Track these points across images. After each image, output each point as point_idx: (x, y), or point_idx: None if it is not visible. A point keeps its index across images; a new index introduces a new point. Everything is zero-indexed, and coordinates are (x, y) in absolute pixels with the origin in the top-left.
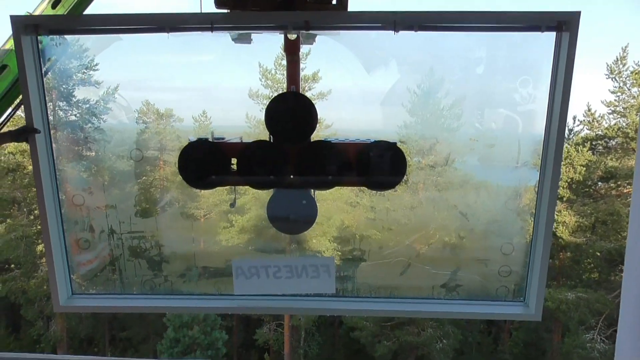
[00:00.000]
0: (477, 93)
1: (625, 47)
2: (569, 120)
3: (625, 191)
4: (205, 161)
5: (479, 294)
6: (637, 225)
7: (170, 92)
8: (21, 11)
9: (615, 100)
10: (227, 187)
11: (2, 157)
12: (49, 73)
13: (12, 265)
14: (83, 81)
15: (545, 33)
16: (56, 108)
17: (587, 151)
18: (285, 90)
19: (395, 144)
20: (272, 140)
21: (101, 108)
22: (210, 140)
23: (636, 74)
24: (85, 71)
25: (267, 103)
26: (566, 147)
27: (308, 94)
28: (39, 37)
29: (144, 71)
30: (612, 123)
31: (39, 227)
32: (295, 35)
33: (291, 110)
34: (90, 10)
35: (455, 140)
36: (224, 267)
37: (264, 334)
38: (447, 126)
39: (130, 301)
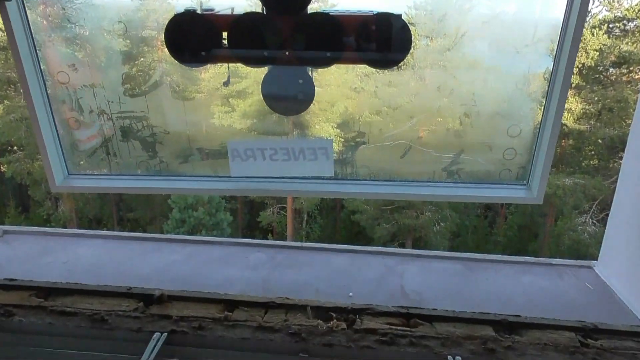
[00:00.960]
0: None
1: None
2: None
3: (636, 77)
4: (194, 35)
5: (481, 177)
6: None
7: None
8: None
9: None
10: (225, 70)
11: None
12: None
13: (15, 147)
14: None
15: None
16: None
17: (602, 34)
18: None
19: (400, 15)
20: (264, 12)
21: None
22: (198, 12)
23: None
24: None
25: None
26: None
27: None
28: None
29: None
30: (634, 3)
31: None
32: None
33: None
34: None
35: (466, 21)
36: (224, 150)
37: (267, 216)
38: (458, 7)
39: (126, 182)
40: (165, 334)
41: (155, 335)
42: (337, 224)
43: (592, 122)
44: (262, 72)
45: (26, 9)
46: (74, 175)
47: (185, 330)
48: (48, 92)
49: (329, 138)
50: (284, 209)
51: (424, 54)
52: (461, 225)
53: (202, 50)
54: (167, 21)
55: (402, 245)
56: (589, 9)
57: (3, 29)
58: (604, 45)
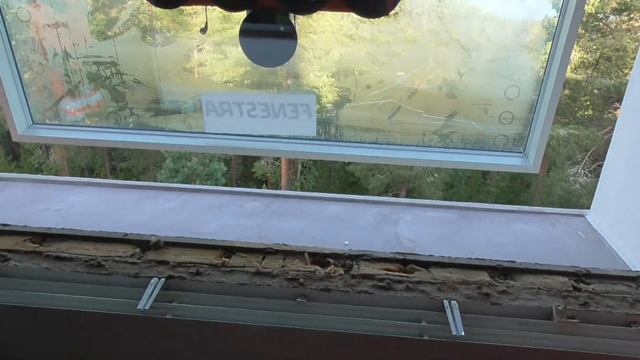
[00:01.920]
0: None
1: None
2: None
3: (636, 25)
4: None
5: (475, 142)
6: None
7: None
8: None
9: None
10: (218, 15)
11: None
12: None
13: None
14: None
15: None
16: None
17: None
18: None
19: None
20: None
21: None
22: None
23: None
24: None
25: None
26: None
27: None
28: None
29: None
30: None
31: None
32: None
33: None
34: None
35: None
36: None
37: (261, 166)
38: None
39: (94, 134)
40: (163, 279)
41: (152, 281)
42: (331, 174)
43: (590, 72)
44: None
45: None
46: (39, 125)
47: (182, 275)
48: (7, 30)
49: (311, 93)
50: (278, 159)
51: (423, 6)
52: (455, 176)
53: None
54: None
55: (396, 196)
56: None
57: None
58: None
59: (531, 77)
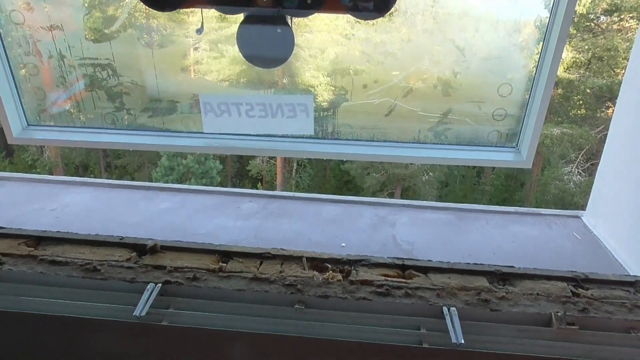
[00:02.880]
0: None
1: None
2: None
3: (627, 25)
4: None
5: (469, 139)
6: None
7: None
8: None
9: None
10: (214, 14)
11: None
12: None
13: None
14: None
15: None
16: None
17: None
18: None
19: None
20: None
21: None
22: None
23: None
24: None
25: None
26: None
27: None
28: None
29: None
30: None
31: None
32: None
33: None
34: None
35: None
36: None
37: (257, 165)
38: None
39: (91, 135)
40: (160, 284)
41: (149, 286)
42: (326, 173)
43: (582, 71)
44: None
45: None
46: (34, 127)
47: (179, 281)
48: (0, 32)
49: (309, 93)
50: (273, 157)
51: (418, 6)
52: (449, 175)
53: None
54: None
55: (392, 195)
56: None
57: None
58: None
59: (524, 76)
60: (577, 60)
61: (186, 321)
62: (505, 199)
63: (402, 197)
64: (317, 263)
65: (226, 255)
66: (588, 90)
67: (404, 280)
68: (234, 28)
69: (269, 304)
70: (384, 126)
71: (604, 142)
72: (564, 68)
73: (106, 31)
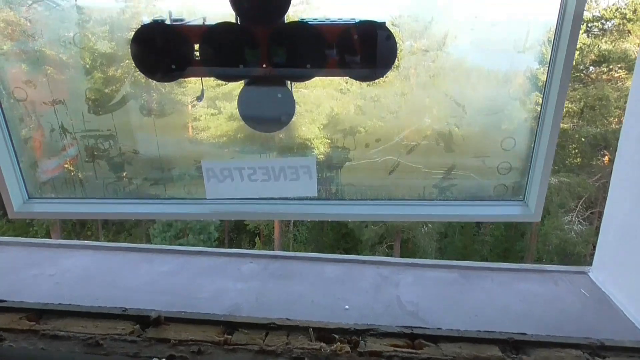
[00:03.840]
0: None
1: None
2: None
3: (616, 75)
4: (163, 48)
5: (474, 194)
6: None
7: None
8: None
9: None
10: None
11: None
12: None
13: None
14: None
15: None
16: None
17: (582, 34)
18: None
19: (383, 23)
20: (238, 22)
21: None
22: (167, 22)
23: None
24: None
25: None
26: None
27: None
28: None
29: None
30: (611, 3)
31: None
32: None
33: None
34: None
35: (451, 20)
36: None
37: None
38: (443, 4)
39: (93, 207)
40: (164, 359)
41: None
42: (324, 225)
43: (575, 121)
44: None
45: None
46: (35, 200)
47: (184, 355)
48: (3, 108)
49: (311, 155)
50: None
51: (410, 60)
52: (449, 226)
53: (172, 64)
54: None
55: (391, 247)
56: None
57: None
58: (583, 44)
59: (525, 128)
60: (570, 109)
61: None
62: (505, 249)
63: (401, 249)
64: (324, 333)
65: (231, 326)
66: (582, 139)
67: (414, 350)
68: (231, 85)
69: None
70: (388, 184)
71: (603, 190)
72: None
73: (107, 94)
